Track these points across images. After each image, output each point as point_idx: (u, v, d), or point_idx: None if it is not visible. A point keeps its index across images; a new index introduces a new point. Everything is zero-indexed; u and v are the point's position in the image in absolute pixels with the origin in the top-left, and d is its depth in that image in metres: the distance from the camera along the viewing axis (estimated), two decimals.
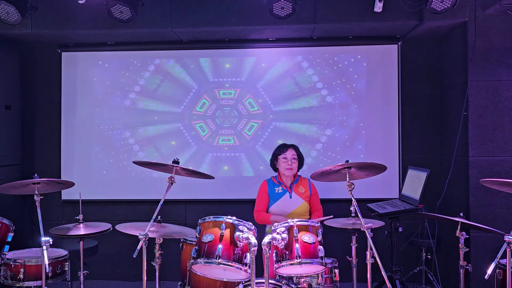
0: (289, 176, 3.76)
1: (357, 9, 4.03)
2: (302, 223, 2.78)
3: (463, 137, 3.98)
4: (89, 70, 4.71)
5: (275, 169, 3.85)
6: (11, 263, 3.19)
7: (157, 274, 3.04)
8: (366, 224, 2.78)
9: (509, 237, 2.49)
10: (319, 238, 2.77)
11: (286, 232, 2.72)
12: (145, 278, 2.84)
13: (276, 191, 3.76)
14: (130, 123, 4.69)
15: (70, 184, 3.28)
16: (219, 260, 2.59)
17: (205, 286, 3.01)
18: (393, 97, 4.52)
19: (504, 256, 2.53)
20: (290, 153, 3.72)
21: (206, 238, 2.69)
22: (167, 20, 4.15)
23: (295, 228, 2.73)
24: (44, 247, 2.86)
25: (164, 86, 4.66)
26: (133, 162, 3.20)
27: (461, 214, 3.08)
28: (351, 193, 2.84)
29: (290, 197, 3.72)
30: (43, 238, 2.87)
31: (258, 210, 3.75)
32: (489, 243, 3.83)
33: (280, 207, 3.70)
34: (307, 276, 2.99)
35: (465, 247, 3.01)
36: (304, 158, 3.88)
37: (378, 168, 2.99)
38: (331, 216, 3.42)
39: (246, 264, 2.63)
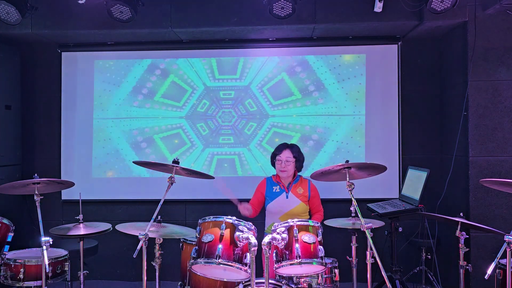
0: (285, 177, 3.75)
1: (357, 9, 4.03)
2: (302, 223, 2.78)
3: (463, 137, 3.98)
4: (89, 70, 4.70)
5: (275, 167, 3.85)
6: (11, 263, 3.19)
7: (157, 274, 3.03)
8: (366, 224, 2.78)
9: (509, 237, 2.48)
10: (319, 238, 2.77)
11: (286, 232, 2.71)
12: (145, 278, 2.84)
13: (274, 190, 3.76)
14: (130, 123, 4.69)
15: (70, 184, 3.28)
16: (219, 260, 2.59)
17: (205, 286, 3.00)
18: (393, 97, 4.52)
19: (504, 256, 2.53)
20: (284, 156, 3.69)
21: (206, 238, 2.69)
22: (167, 20, 4.15)
23: (295, 228, 2.72)
24: (44, 247, 2.85)
25: (165, 86, 4.66)
26: (133, 162, 3.20)
27: (461, 214, 3.08)
28: (351, 193, 2.85)
29: (287, 197, 3.71)
30: (43, 238, 2.87)
31: (250, 204, 3.76)
32: (489, 243, 3.83)
33: (276, 207, 3.70)
34: (307, 276, 2.99)
35: (465, 247, 3.01)
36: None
37: (378, 169, 3.00)
38: None
39: (246, 264, 2.63)
